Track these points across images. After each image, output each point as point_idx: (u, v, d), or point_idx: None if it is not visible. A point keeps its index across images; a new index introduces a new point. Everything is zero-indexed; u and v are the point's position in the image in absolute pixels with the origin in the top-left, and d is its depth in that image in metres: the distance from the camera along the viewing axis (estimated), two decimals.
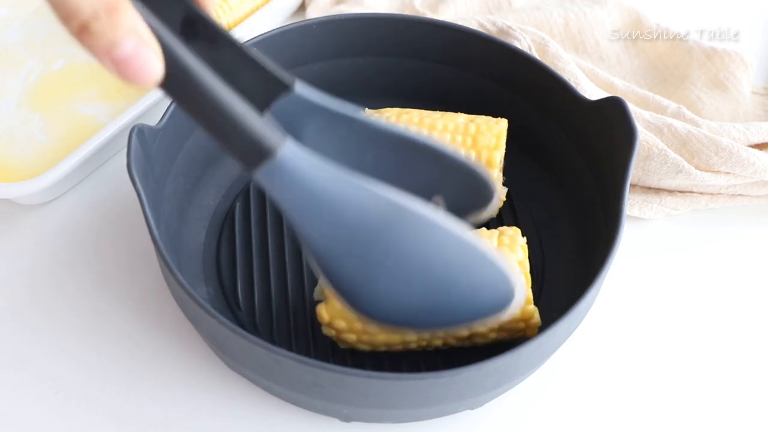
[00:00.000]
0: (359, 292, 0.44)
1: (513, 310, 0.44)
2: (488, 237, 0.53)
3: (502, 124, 0.60)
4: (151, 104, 0.66)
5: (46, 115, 0.71)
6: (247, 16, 0.76)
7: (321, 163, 0.40)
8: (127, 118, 0.65)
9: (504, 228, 0.54)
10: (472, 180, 0.49)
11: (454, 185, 0.50)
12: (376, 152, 0.48)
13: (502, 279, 0.43)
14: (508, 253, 0.52)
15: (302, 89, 0.44)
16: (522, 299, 0.44)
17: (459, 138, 0.60)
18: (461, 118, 0.61)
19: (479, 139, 0.59)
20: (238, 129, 0.36)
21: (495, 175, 0.60)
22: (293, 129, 0.45)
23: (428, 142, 0.49)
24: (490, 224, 0.60)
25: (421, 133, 0.56)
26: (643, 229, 0.67)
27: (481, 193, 0.50)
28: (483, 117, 0.61)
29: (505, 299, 0.43)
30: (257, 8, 0.76)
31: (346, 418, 0.53)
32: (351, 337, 0.52)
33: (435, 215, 0.42)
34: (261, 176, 0.38)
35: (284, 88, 0.44)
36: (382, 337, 0.51)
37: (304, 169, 0.39)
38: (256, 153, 0.37)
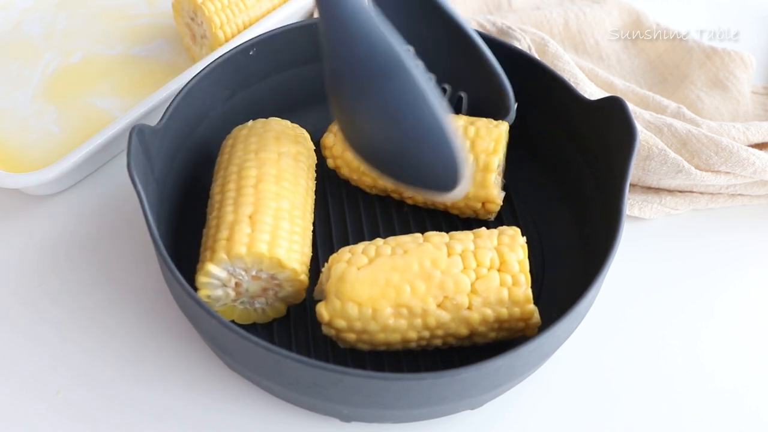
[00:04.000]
0: (349, 121, 0.53)
1: (457, 194, 0.52)
2: (488, 237, 0.53)
3: (501, 128, 0.60)
4: (162, 100, 0.67)
5: (61, 107, 0.71)
6: (263, 15, 0.76)
7: None
8: (137, 113, 0.66)
9: (504, 228, 0.54)
10: (497, 91, 0.58)
11: (480, 88, 0.59)
12: (431, 29, 0.57)
13: (454, 161, 0.50)
14: (508, 252, 0.52)
15: None
16: (466, 187, 0.52)
17: None
18: (461, 120, 0.61)
19: (477, 143, 0.59)
20: None
21: (492, 179, 0.59)
22: None
23: (480, 46, 0.57)
24: (490, 224, 0.60)
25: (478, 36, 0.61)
26: (643, 229, 0.67)
27: (501, 105, 0.59)
28: (483, 120, 0.61)
29: (452, 181, 0.51)
30: (274, 8, 0.76)
31: (346, 418, 0.53)
32: (351, 337, 0.52)
33: (425, 83, 0.49)
34: None
35: None
36: (381, 336, 0.51)
37: None
38: None
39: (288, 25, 0.65)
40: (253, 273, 0.53)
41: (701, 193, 0.68)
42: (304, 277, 0.54)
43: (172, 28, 0.79)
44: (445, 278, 0.51)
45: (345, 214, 0.64)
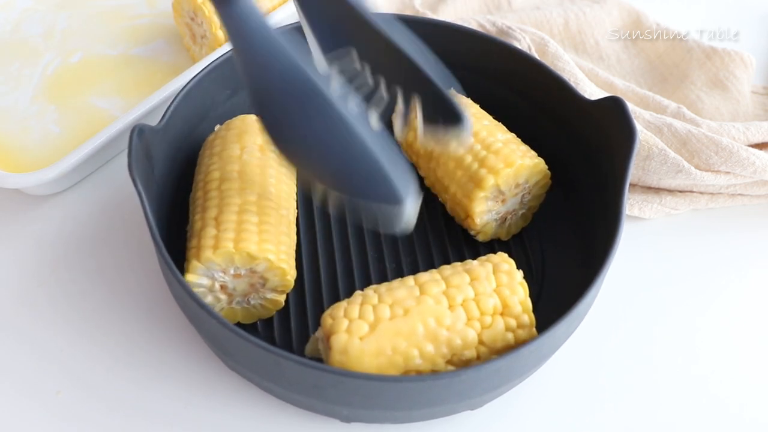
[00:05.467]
0: (277, 134, 0.50)
1: (406, 222, 0.48)
2: (485, 279, 0.51)
3: (525, 161, 0.58)
4: (162, 100, 0.67)
5: (61, 107, 0.72)
6: (281, 3, 0.76)
7: (266, 25, 0.47)
8: (138, 113, 0.66)
9: (497, 262, 0.52)
10: (441, 99, 0.52)
11: (428, 94, 0.52)
12: (366, 35, 0.52)
13: (387, 181, 0.47)
14: (510, 296, 0.51)
15: None
16: (413, 216, 0.48)
17: (477, 146, 0.59)
18: (500, 134, 0.59)
19: (488, 159, 0.58)
20: None
21: (479, 196, 0.58)
22: None
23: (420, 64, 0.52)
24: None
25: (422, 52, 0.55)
26: (643, 229, 0.67)
27: (451, 117, 0.52)
28: (517, 148, 0.59)
29: (393, 202, 0.47)
30: (274, 8, 0.76)
31: (347, 419, 0.53)
32: None
33: (345, 107, 0.47)
34: (223, 11, 0.47)
35: None
36: None
37: (253, 21, 0.47)
38: None
39: (287, 24, 0.64)
40: (232, 272, 0.53)
41: (701, 193, 0.68)
42: (284, 265, 0.53)
43: (172, 28, 0.79)
44: (452, 336, 0.49)
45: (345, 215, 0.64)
